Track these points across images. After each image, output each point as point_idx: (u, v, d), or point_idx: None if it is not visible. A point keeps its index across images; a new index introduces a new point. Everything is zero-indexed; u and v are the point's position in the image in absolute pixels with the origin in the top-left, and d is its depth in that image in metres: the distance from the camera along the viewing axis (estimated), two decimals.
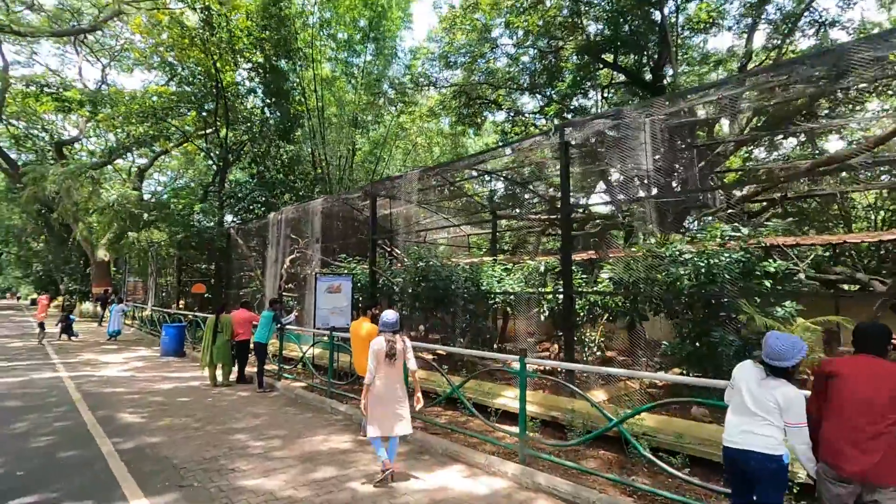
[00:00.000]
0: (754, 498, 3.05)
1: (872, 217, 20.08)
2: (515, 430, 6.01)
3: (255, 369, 9.46)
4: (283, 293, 13.75)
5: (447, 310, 9.39)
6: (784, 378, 2.92)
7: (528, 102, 31.02)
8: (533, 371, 5.72)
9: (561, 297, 7.77)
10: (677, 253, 5.88)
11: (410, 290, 9.44)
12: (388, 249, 11.37)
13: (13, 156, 29.03)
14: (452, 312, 9.30)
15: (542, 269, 8.02)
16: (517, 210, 12.89)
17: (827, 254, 9.60)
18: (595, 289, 7.34)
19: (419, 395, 5.00)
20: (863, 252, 12.81)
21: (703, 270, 5.53)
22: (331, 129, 22.97)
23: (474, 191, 15.61)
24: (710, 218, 8.07)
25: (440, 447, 5.78)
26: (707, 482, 4.17)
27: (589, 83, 17.71)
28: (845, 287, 9.06)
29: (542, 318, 8.03)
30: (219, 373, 9.91)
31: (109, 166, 30.51)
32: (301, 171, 22.20)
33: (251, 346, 9.61)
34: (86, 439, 6.10)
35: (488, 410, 6.54)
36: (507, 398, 6.83)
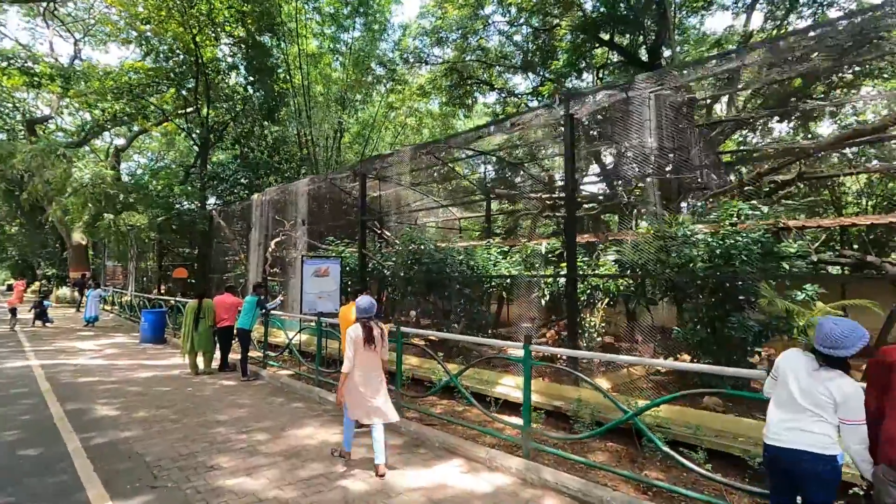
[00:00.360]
0: (798, 500, 2.73)
1: (863, 202, 20.07)
2: (517, 421, 5.68)
3: (239, 357, 9.01)
4: (268, 277, 13.22)
5: (441, 294, 8.99)
6: (840, 369, 2.56)
7: (521, 83, 30.42)
8: (537, 359, 5.37)
9: (562, 280, 7.40)
10: (689, 233, 5.52)
11: (402, 274, 9.00)
12: (378, 232, 10.89)
13: None
14: (446, 297, 8.91)
15: (542, 250, 7.63)
16: (514, 191, 12.42)
17: (836, 237, 9.37)
18: (599, 272, 6.98)
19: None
20: (860, 235, 12.66)
21: (718, 251, 5.19)
22: (317, 108, 22.18)
23: (466, 172, 15.15)
24: (709, 199, 7.75)
25: (437, 440, 5.41)
26: (725, 477, 3.87)
27: (584, 63, 17.21)
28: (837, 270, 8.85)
29: (542, 302, 7.66)
30: (200, 360, 9.44)
31: (86, 147, 29.33)
32: (286, 152, 21.45)
33: (235, 332, 9.13)
34: (51, 435, 5.61)
35: (487, 400, 6.19)
36: (507, 387, 6.48)
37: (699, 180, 9.32)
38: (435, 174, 11.59)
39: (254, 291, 9.16)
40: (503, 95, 23.74)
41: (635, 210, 7.69)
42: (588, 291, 7.47)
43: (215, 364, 9.64)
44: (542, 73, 19.99)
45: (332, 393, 7.40)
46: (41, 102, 30.25)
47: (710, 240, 5.36)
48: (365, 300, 4.78)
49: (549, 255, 7.68)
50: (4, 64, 20.90)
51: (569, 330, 6.09)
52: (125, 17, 21.26)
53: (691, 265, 5.34)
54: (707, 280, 5.24)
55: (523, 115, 6.67)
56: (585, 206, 11.19)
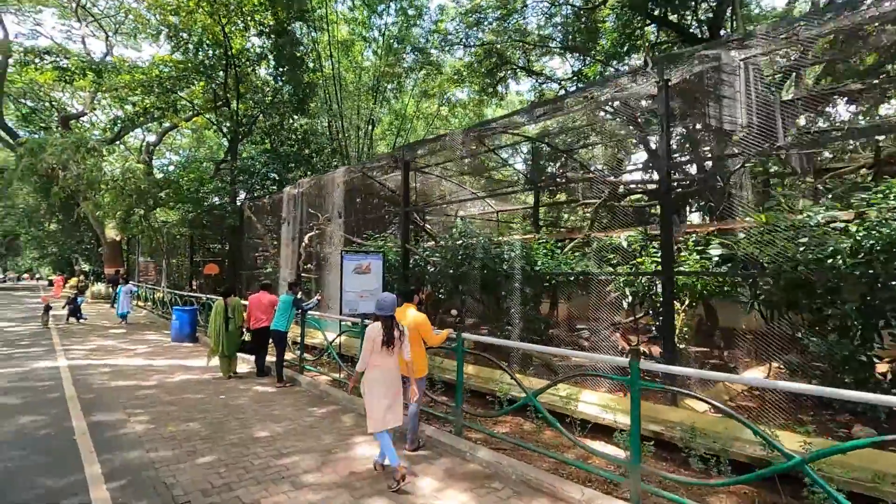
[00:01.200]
0: None
1: None
2: (607, 448, 4.72)
3: (274, 360, 8.30)
4: (302, 274, 12.53)
5: (493, 293, 8.06)
6: None
7: (559, 68, 28.91)
8: (651, 380, 4.39)
9: (648, 279, 6.36)
10: (825, 221, 4.43)
11: (452, 271, 8.11)
12: (421, 225, 10.03)
13: (22, 135, 28.10)
14: (502, 296, 7.97)
15: (623, 244, 6.60)
16: (566, 179, 11.24)
17: None
18: (683, 268, 5.89)
19: (414, 387, 4.78)
20: None
21: (867, 244, 4.10)
22: (348, 98, 21.46)
23: (514, 160, 14.12)
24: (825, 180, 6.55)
25: (513, 471, 4.49)
26: None
27: (632, 43, 15.89)
28: None
29: (624, 303, 6.64)
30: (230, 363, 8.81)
31: (122, 145, 29.47)
32: (317, 144, 20.81)
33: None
34: (69, 456, 4.92)
35: (567, 420, 5.23)
36: (588, 404, 5.50)
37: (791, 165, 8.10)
38: (482, 162, 10.62)
39: (289, 290, 8.40)
40: (540, 82, 22.55)
41: (730, 195, 6.57)
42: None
43: (244, 367, 8.96)
44: (584, 57, 18.76)
45: None
46: (77, 102, 30.56)
47: (855, 229, 4.28)
48: (387, 297, 4.54)
49: (629, 250, 6.62)
50: (38, 61, 20.91)
51: (665, 339, 5.07)
52: (155, 9, 20.92)
53: (830, 261, 4.27)
54: (852, 279, 4.16)
55: (615, 78, 5.60)
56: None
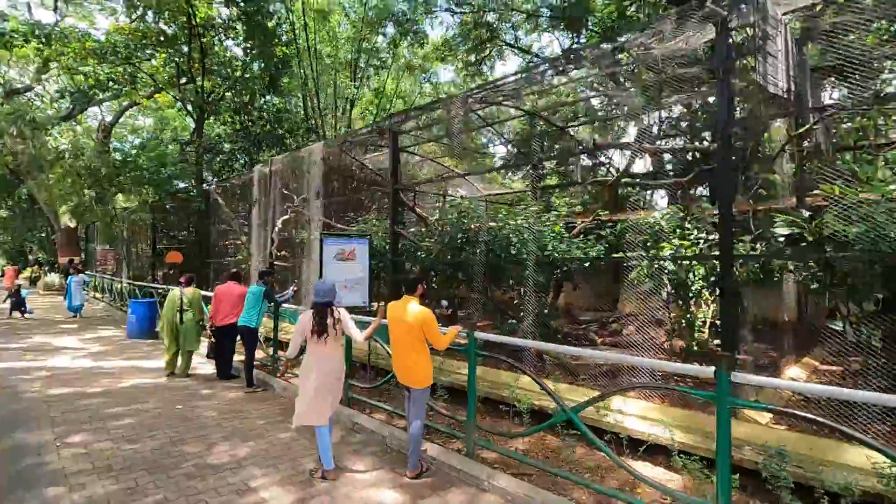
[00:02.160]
0: None
1: None
2: (658, 472, 3.81)
3: (244, 360, 7.16)
4: (275, 263, 11.29)
5: (498, 283, 7.09)
6: None
7: (547, 46, 27.89)
8: (747, 400, 3.48)
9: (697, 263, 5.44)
10: None
11: (450, 257, 7.08)
12: (411, 206, 8.94)
13: None
14: (507, 286, 7.01)
15: (662, 223, 5.64)
16: (600, 143, 10.02)
17: None
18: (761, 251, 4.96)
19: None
20: None
21: None
22: (325, 74, 19.98)
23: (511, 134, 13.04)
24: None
25: None
26: None
27: (635, 8, 14.83)
28: None
29: (665, 293, 5.72)
30: (180, 360, 7.72)
31: (78, 125, 27.16)
32: (291, 122, 19.34)
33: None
34: None
35: (606, 437, 4.29)
36: (629, 416, 4.56)
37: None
38: (472, 141, 9.54)
39: (259, 280, 7.23)
40: (528, 60, 21.47)
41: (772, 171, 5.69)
42: (707, 277, 5.53)
43: (199, 367, 7.79)
44: (576, 33, 17.73)
45: (370, 416, 5.54)
46: (26, 78, 28.02)
47: None
48: (325, 284, 4.36)
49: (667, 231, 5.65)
50: None
51: (725, 337, 4.15)
52: None
53: None
54: None
55: (665, 17, 4.57)
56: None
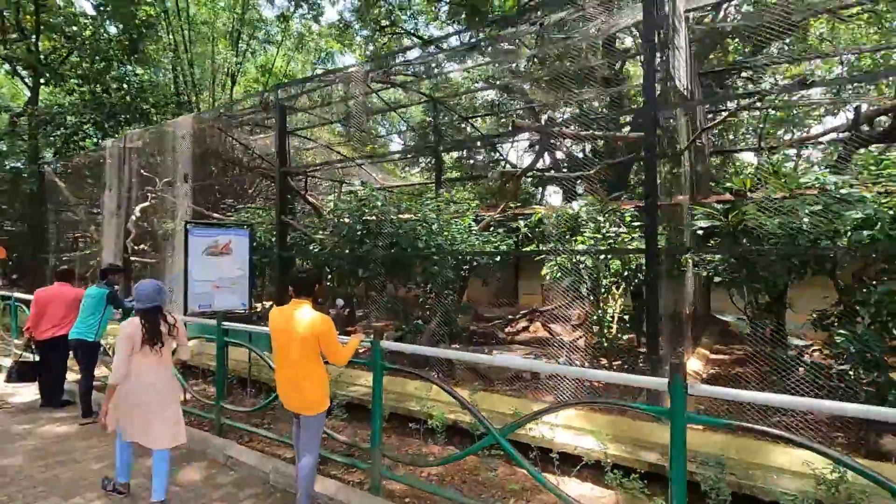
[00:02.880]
0: None
1: None
2: (599, 492, 3.39)
3: (78, 383, 5.60)
4: (133, 259, 9.41)
5: (404, 279, 6.35)
6: None
7: (440, 31, 27.63)
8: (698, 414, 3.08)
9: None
10: (839, 189, 3.58)
11: (348, 251, 6.17)
12: (302, 193, 7.81)
13: None
14: (412, 283, 6.30)
15: (582, 214, 5.28)
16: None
17: None
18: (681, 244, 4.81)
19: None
20: None
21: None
22: (200, 43, 17.54)
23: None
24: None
25: None
26: None
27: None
28: None
29: (582, 288, 5.38)
30: None
31: None
32: (159, 96, 16.72)
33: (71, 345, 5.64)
34: None
35: (532, 453, 3.78)
36: (562, 428, 4.10)
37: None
38: (370, 131, 8.70)
39: (101, 280, 5.69)
40: (429, 52, 20.92)
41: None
42: (623, 272, 5.37)
43: (21, 392, 6.04)
44: (481, 22, 17.54)
45: (247, 446, 4.50)
46: None
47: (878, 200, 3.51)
48: (147, 284, 3.61)
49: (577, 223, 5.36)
50: None
51: (649, 336, 3.87)
52: None
53: (850, 236, 3.42)
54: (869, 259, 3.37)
55: None
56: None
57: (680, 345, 5.88)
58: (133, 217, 9.11)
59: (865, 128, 4.48)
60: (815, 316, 4.09)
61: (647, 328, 3.89)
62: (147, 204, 9.18)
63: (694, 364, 6.24)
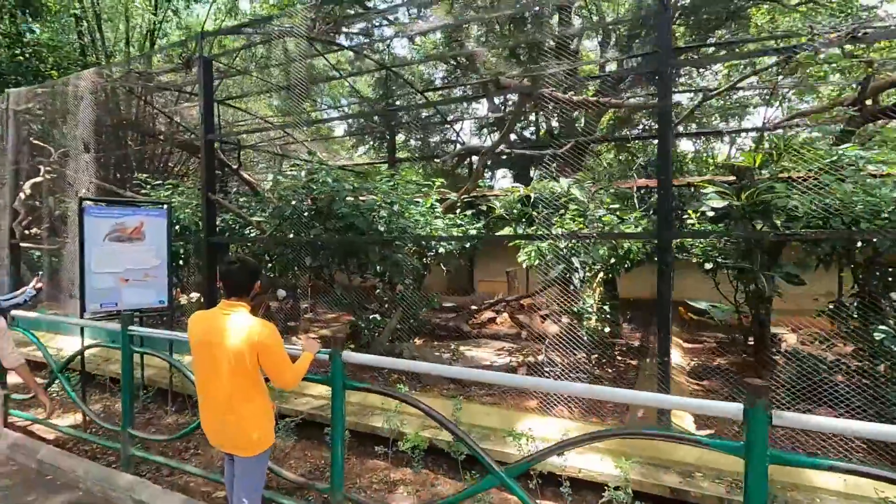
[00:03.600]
0: None
1: None
2: None
3: None
4: (23, 244, 7.81)
5: (362, 269, 5.44)
6: None
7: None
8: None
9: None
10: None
11: (293, 235, 5.18)
12: (234, 168, 6.62)
13: None
14: (372, 271, 5.42)
15: (577, 193, 4.58)
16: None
17: None
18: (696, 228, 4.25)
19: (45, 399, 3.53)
20: None
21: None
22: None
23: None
24: None
25: None
26: None
27: None
28: None
29: (576, 279, 4.73)
30: None
31: None
32: (62, 57, 14.46)
33: None
34: None
35: (530, 482, 3.11)
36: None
37: None
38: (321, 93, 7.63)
39: None
40: (375, 24, 19.55)
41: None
42: (615, 258, 4.81)
43: None
44: None
45: (168, 491, 3.50)
46: None
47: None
48: None
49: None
50: None
51: (660, 331, 3.29)
52: None
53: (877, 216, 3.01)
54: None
55: None
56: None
57: (643, 330, 5.44)
58: (21, 195, 7.50)
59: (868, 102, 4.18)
60: (830, 306, 3.72)
61: (659, 324, 3.31)
62: (39, 179, 7.58)
63: (674, 356, 5.86)
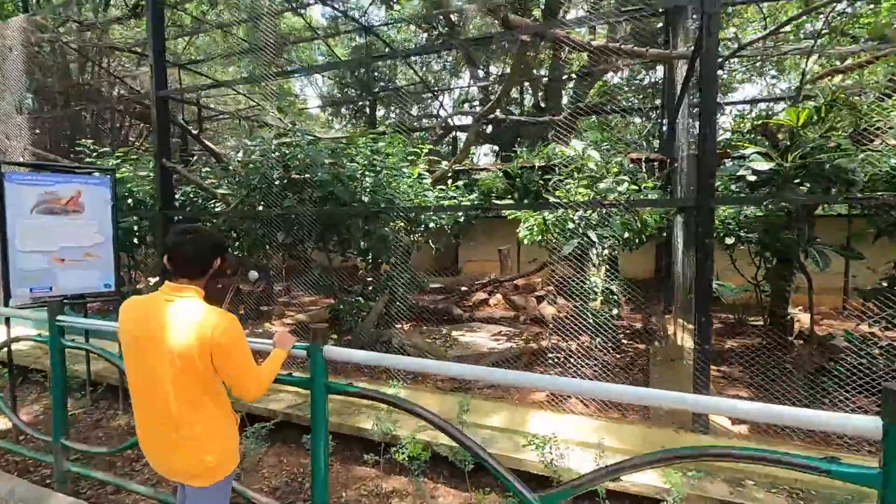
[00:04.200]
0: None
1: None
2: None
3: None
4: None
5: (343, 247, 4.81)
6: None
7: None
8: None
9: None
10: None
11: (263, 207, 4.49)
12: (194, 133, 5.83)
13: None
14: (355, 249, 4.79)
15: (597, 158, 3.99)
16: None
17: None
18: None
19: None
20: None
21: None
22: None
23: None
24: None
25: None
26: None
27: None
28: None
29: (593, 254, 4.20)
30: None
31: None
32: None
33: None
34: None
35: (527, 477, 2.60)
36: (580, 449, 2.95)
37: None
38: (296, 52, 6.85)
39: None
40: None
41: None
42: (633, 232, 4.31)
43: None
44: None
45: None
46: None
47: None
48: None
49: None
50: None
51: (699, 314, 2.80)
52: None
53: None
54: None
55: None
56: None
57: (651, 312, 5.01)
58: None
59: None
60: (879, 284, 3.31)
61: (698, 308, 2.82)
62: None
63: (683, 339, 5.46)
